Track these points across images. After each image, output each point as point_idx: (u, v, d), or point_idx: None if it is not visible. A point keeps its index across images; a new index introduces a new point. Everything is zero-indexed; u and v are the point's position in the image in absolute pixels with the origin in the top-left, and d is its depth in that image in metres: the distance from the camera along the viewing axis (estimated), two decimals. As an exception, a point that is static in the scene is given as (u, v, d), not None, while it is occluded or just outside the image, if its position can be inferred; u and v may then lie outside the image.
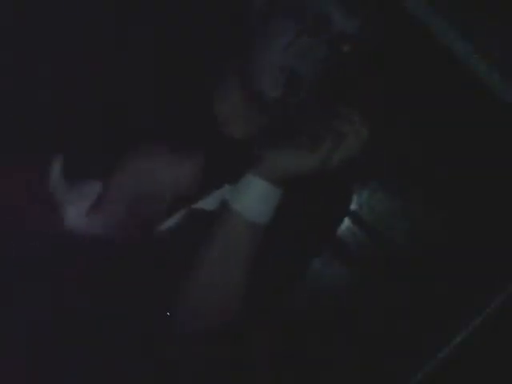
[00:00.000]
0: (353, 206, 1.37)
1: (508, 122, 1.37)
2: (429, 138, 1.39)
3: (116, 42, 0.94)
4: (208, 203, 0.91)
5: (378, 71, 0.96)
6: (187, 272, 0.88)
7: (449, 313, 1.34)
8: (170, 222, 0.89)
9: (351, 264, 1.39)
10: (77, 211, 0.78)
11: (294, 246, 0.95)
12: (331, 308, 1.39)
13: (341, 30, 0.87)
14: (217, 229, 0.88)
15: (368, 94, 1.03)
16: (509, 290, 1.32)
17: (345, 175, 1.04)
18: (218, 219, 0.88)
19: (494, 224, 1.38)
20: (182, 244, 0.88)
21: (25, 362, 0.84)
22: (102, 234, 0.79)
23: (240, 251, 0.87)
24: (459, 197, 1.38)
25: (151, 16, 1.03)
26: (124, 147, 0.80)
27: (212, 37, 1.02)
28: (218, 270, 0.87)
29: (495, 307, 1.31)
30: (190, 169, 0.80)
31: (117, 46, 0.93)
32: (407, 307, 1.37)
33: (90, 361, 0.86)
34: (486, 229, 1.38)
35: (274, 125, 0.95)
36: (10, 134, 0.86)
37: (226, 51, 0.98)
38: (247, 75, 0.91)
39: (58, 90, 0.89)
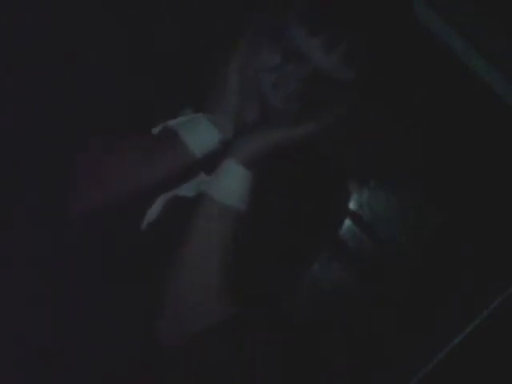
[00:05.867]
0: (353, 206, 1.37)
1: (508, 122, 1.37)
2: (429, 138, 1.39)
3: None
4: (185, 190, 0.92)
5: (376, 72, 0.95)
6: (170, 264, 0.89)
7: (448, 313, 1.34)
8: (152, 213, 0.90)
9: (351, 264, 1.39)
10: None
11: (293, 244, 0.95)
12: (331, 308, 1.39)
13: (318, 65, 0.84)
14: (195, 217, 0.88)
15: (366, 95, 1.03)
16: (509, 290, 1.32)
17: (345, 175, 1.05)
18: (195, 208, 0.89)
19: (494, 224, 1.38)
20: (167, 235, 0.89)
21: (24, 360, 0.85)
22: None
23: (216, 237, 0.88)
24: (459, 197, 1.38)
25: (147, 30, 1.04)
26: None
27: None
28: (199, 259, 0.87)
29: (495, 307, 1.31)
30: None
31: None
32: (407, 307, 1.37)
33: (86, 360, 0.86)
34: (486, 229, 1.38)
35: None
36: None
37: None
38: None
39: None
